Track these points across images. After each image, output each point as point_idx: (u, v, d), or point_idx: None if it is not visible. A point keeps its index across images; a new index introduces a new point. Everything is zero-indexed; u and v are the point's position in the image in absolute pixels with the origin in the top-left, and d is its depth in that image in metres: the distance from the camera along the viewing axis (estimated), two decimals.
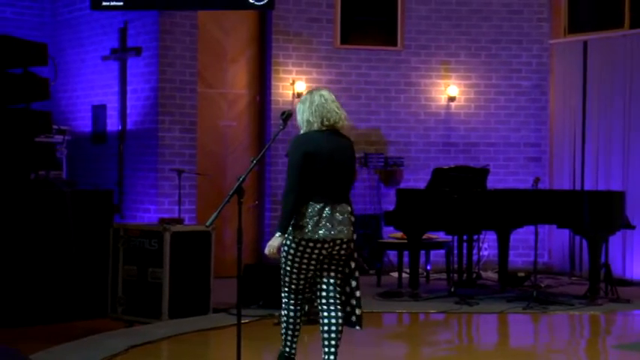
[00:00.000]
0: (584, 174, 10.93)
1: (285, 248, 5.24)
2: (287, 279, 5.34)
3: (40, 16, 11.63)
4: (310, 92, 5.38)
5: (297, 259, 5.21)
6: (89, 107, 11.06)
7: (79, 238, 7.74)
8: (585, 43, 11.02)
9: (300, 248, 5.17)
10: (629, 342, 7.11)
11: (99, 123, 10.89)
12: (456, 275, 9.63)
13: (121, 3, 9.98)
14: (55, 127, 9.73)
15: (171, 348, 6.77)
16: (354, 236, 5.27)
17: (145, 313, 7.58)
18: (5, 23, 11.12)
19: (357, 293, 5.34)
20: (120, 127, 10.51)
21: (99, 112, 10.88)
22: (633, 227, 9.36)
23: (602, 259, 8.94)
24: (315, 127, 5.22)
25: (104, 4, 10.01)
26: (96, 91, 10.97)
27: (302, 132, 5.29)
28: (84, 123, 11.14)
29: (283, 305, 5.41)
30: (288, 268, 5.29)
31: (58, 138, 10.16)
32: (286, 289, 5.39)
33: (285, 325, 5.43)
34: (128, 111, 10.47)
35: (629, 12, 10.75)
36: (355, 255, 5.36)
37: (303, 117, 5.28)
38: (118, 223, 8.24)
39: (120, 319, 7.68)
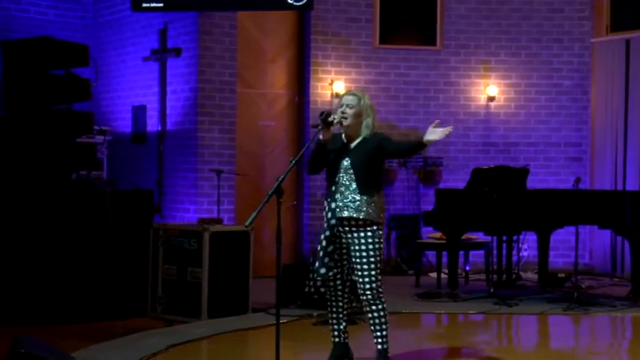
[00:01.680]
0: (626, 174, 10.82)
1: (378, 239, 5.54)
2: (380, 270, 5.56)
3: (82, 17, 11.75)
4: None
5: None
6: (129, 108, 11.15)
7: (120, 237, 7.81)
8: (628, 42, 10.90)
9: None
10: None
11: (139, 123, 10.97)
12: (495, 276, 9.57)
13: (161, 4, 10.05)
14: (96, 127, 9.83)
15: (210, 347, 6.80)
16: None
17: (185, 312, 7.63)
18: (48, 25, 11.26)
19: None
20: (160, 128, 10.58)
21: (139, 112, 10.96)
22: None
23: None
24: None
25: (144, 5, 10.09)
26: (136, 91, 11.06)
27: (371, 133, 5.61)
28: (124, 123, 11.24)
29: (382, 299, 5.59)
30: (380, 258, 5.58)
31: (99, 138, 10.26)
32: (381, 281, 5.57)
33: (386, 319, 5.64)
34: (168, 111, 10.54)
35: None
36: None
37: (375, 123, 5.66)
38: (158, 223, 8.29)
39: (160, 318, 7.73)
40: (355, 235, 5.53)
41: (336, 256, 5.64)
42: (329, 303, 5.80)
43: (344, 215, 5.52)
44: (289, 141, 10.93)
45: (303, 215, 10.99)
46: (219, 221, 8.25)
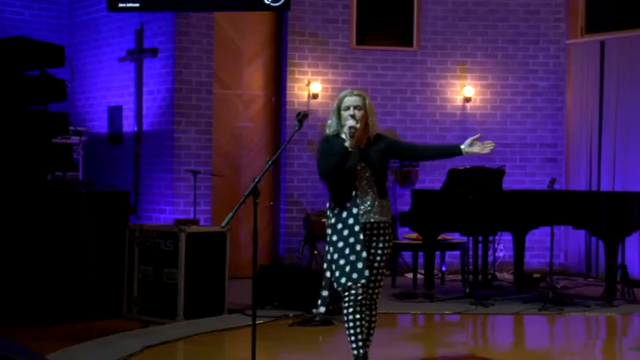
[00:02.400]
0: (601, 175, 10.90)
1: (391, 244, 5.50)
2: None
3: (57, 17, 11.69)
4: None
5: None
6: (105, 108, 11.11)
7: (95, 238, 7.78)
8: (603, 44, 10.97)
9: None
10: None
11: (115, 124, 10.93)
12: (471, 276, 9.61)
13: (138, 4, 10.02)
14: (71, 128, 9.77)
15: (186, 348, 6.79)
16: None
17: (161, 313, 7.60)
18: (23, 25, 11.19)
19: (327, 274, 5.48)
20: (136, 128, 10.55)
21: (115, 113, 10.92)
22: None
23: (619, 261, 8.91)
24: None
25: (120, 5, 10.05)
26: (112, 92, 11.02)
27: (374, 133, 5.47)
28: (100, 124, 11.19)
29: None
30: None
31: (75, 139, 10.21)
32: None
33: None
34: (144, 112, 10.51)
35: None
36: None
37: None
38: (134, 224, 8.26)
39: (135, 319, 7.71)
40: (375, 239, 5.38)
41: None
42: (358, 314, 5.31)
43: (371, 220, 5.35)
44: (266, 142, 10.92)
45: (279, 216, 10.98)
46: (195, 222, 8.23)
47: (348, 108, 5.34)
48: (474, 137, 5.37)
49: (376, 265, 5.40)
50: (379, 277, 5.44)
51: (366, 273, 5.26)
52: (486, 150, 5.35)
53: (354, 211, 5.33)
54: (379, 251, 5.40)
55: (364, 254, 5.27)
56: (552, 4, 11.34)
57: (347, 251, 5.29)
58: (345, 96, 5.40)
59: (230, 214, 4.94)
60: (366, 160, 5.37)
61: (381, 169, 5.41)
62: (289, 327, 7.39)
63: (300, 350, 6.71)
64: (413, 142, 5.74)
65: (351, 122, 5.27)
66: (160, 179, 10.32)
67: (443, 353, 6.93)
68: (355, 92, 5.42)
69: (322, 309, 5.47)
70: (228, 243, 7.82)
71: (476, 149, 5.35)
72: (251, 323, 5.05)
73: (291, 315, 7.72)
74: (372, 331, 5.53)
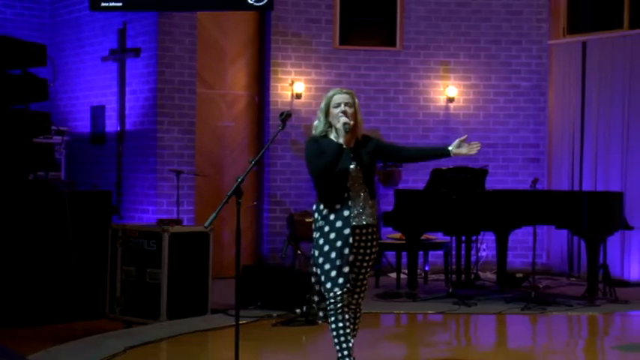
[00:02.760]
0: (583, 175, 10.95)
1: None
2: None
3: (39, 17, 11.63)
4: None
5: None
6: (88, 108, 11.06)
7: (78, 238, 7.74)
8: (584, 44, 11.03)
9: None
10: (627, 343, 7.12)
11: (98, 124, 10.89)
12: (454, 276, 9.63)
13: (120, 4, 9.99)
14: (54, 127, 9.74)
15: (169, 349, 6.77)
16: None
17: (144, 313, 7.58)
18: (5, 24, 11.13)
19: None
20: (119, 128, 10.52)
21: (98, 112, 10.88)
22: (632, 228, 9.36)
23: (601, 260, 8.95)
24: None
25: (103, 4, 10.02)
26: (95, 92, 10.98)
27: (361, 133, 5.36)
28: (83, 124, 11.15)
29: None
30: None
31: (57, 139, 10.18)
32: None
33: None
34: (127, 112, 10.47)
35: (629, 12, 10.76)
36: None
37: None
38: (117, 224, 8.24)
39: (118, 319, 7.68)
40: (363, 244, 5.23)
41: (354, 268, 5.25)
42: (342, 317, 5.17)
43: (362, 223, 5.20)
44: (249, 142, 10.91)
45: (262, 216, 10.97)
46: (178, 222, 8.21)
47: (338, 105, 5.19)
48: (462, 138, 5.36)
49: (363, 270, 5.27)
50: (365, 282, 5.33)
51: (352, 277, 5.17)
52: (473, 151, 5.34)
53: (345, 213, 5.16)
54: (367, 257, 5.26)
55: (351, 258, 5.15)
56: (534, 5, 11.39)
57: (333, 255, 5.12)
58: (334, 94, 5.25)
59: (213, 214, 4.93)
60: (357, 161, 5.22)
61: (369, 171, 5.27)
62: (273, 327, 7.39)
63: (284, 350, 6.71)
64: (399, 144, 5.57)
65: (345, 119, 5.13)
66: (143, 179, 10.29)
67: (426, 353, 6.95)
68: (345, 90, 5.29)
69: (320, 313, 5.33)
70: (211, 243, 7.81)
71: (464, 150, 5.34)
72: (234, 323, 5.04)
73: (274, 315, 7.71)
74: (355, 333, 5.42)
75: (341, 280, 5.09)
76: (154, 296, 7.53)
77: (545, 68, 11.41)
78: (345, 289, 5.11)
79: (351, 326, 5.27)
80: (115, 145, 10.57)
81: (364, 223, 5.21)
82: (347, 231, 5.14)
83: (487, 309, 8.41)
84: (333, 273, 5.10)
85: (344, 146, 5.13)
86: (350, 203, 5.18)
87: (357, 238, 5.20)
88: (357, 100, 5.28)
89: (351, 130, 5.17)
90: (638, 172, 10.39)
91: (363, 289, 5.33)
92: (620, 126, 10.57)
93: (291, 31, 10.99)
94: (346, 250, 5.12)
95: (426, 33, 11.32)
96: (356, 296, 5.30)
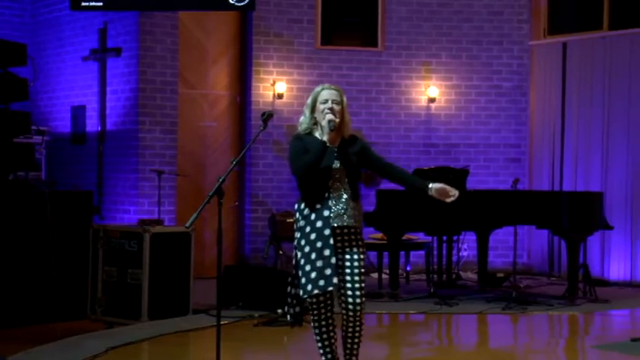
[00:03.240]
0: (563, 175, 11.00)
1: (365, 248, 5.19)
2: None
3: (20, 16, 11.57)
4: None
5: None
6: (69, 108, 11.02)
7: (58, 239, 7.70)
8: (565, 45, 11.08)
9: None
10: (607, 342, 7.15)
11: (78, 124, 10.85)
12: (435, 276, 9.66)
13: (101, 3, 9.95)
14: (34, 127, 9.66)
15: (150, 349, 6.76)
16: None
17: (125, 314, 7.56)
18: None
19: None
20: (99, 128, 10.48)
21: (78, 112, 10.84)
22: (611, 228, 9.43)
23: (581, 260, 8.99)
24: None
25: (84, 4, 9.97)
26: (75, 91, 10.93)
27: (349, 132, 5.21)
28: (63, 124, 11.10)
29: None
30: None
31: (37, 139, 10.12)
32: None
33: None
34: (108, 112, 10.43)
35: (608, 14, 10.82)
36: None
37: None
38: (98, 224, 8.21)
39: (99, 320, 7.66)
40: (347, 245, 5.05)
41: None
42: (323, 321, 5.10)
43: (342, 224, 5.03)
44: (231, 142, 10.89)
45: (244, 216, 10.96)
46: (159, 222, 8.19)
47: (326, 101, 5.05)
48: (448, 189, 5.18)
49: (357, 278, 5.04)
50: (357, 286, 5.03)
51: (334, 280, 4.92)
52: (449, 200, 5.20)
53: (325, 213, 5.00)
54: (355, 263, 5.04)
55: (333, 260, 4.93)
56: (515, 6, 11.43)
57: (313, 256, 4.96)
58: (322, 89, 5.11)
59: (194, 215, 4.91)
60: (342, 160, 5.06)
61: (352, 171, 5.09)
62: (254, 327, 7.38)
63: (265, 350, 6.70)
64: (385, 159, 5.34)
65: (330, 116, 5.00)
66: (124, 179, 10.26)
67: (408, 353, 6.97)
68: (333, 87, 5.15)
69: (288, 317, 5.26)
70: (192, 243, 7.80)
71: (436, 195, 5.18)
72: (216, 323, 5.03)
73: (256, 315, 7.71)
74: (357, 342, 5.14)
75: (322, 283, 4.92)
76: (135, 297, 7.51)
77: (526, 69, 11.46)
78: (326, 291, 4.96)
79: (334, 329, 5.14)
80: (95, 145, 10.53)
81: (344, 224, 5.03)
82: (327, 232, 4.98)
83: (468, 309, 8.44)
84: (313, 274, 4.95)
85: (328, 144, 4.99)
86: (330, 203, 5.02)
87: (339, 238, 5.04)
88: (344, 98, 5.14)
89: (336, 129, 5.04)
90: (618, 171, 10.45)
91: (356, 293, 5.04)
92: (600, 126, 10.62)
93: (273, 31, 10.98)
94: (326, 252, 4.95)
95: (408, 33, 11.34)
96: (350, 299, 5.03)
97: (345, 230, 5.06)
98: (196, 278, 7.95)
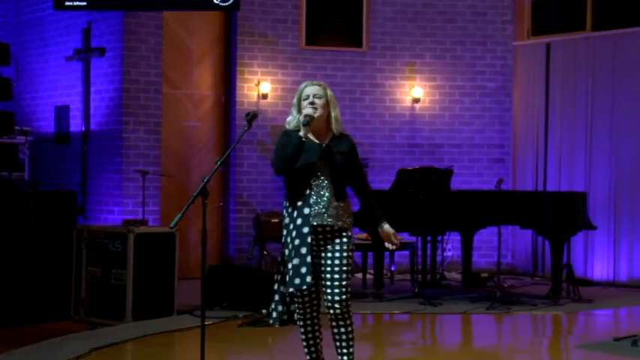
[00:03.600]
0: (547, 175, 11.05)
1: (352, 246, 5.08)
2: (350, 280, 5.06)
3: (3, 15, 11.52)
4: None
5: None
6: (52, 108, 10.97)
7: (42, 239, 7.67)
8: (548, 46, 11.12)
9: None
10: (590, 342, 7.18)
11: (62, 124, 10.81)
12: (420, 276, 9.68)
13: (85, 3, 9.91)
14: (17, 127, 9.61)
15: (134, 350, 6.73)
16: None
17: (109, 314, 7.54)
18: None
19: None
20: (83, 128, 10.44)
21: (62, 112, 10.80)
22: (595, 228, 9.47)
23: (565, 260, 9.03)
24: None
25: (67, 4, 9.93)
26: (59, 91, 10.89)
27: (340, 129, 5.11)
28: (47, 124, 11.05)
29: (351, 313, 5.04)
30: (351, 267, 5.10)
31: (21, 139, 10.07)
32: (350, 293, 5.05)
33: (353, 335, 5.09)
34: (92, 112, 10.40)
35: (591, 15, 10.87)
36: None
37: (339, 112, 5.16)
38: (82, 225, 8.18)
39: (83, 320, 7.63)
40: (330, 242, 4.98)
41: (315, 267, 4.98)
42: (308, 320, 5.07)
43: (322, 223, 4.95)
44: (215, 142, 10.88)
45: (229, 216, 10.95)
46: (144, 223, 8.17)
47: (307, 97, 5.00)
48: (393, 237, 5.23)
49: (336, 276, 4.94)
50: (336, 284, 4.93)
51: (308, 279, 4.83)
52: (391, 247, 5.25)
53: (306, 211, 4.93)
54: (336, 261, 4.96)
55: (309, 259, 4.85)
56: (499, 7, 11.47)
57: (293, 254, 4.91)
58: (305, 87, 5.08)
59: (179, 215, 4.90)
60: (327, 158, 4.99)
61: (341, 170, 5.01)
62: (239, 327, 7.38)
63: (250, 351, 6.70)
64: (362, 174, 5.27)
65: (307, 110, 4.95)
66: (109, 179, 10.23)
67: (392, 353, 6.97)
68: (315, 82, 5.10)
69: (274, 322, 5.16)
70: (177, 243, 7.78)
71: (385, 238, 5.22)
72: (200, 324, 5.02)
73: (240, 315, 7.70)
74: (345, 345, 5.04)
75: (297, 281, 4.87)
76: (119, 297, 7.49)
77: (510, 69, 11.50)
78: (302, 290, 4.91)
79: (319, 328, 5.11)
80: (79, 145, 10.50)
81: (325, 223, 4.96)
82: (306, 230, 4.91)
83: (452, 309, 8.45)
84: (291, 272, 4.91)
85: (304, 138, 4.91)
86: (311, 201, 4.95)
87: (321, 236, 4.99)
88: (329, 92, 5.06)
89: (321, 123, 4.99)
90: (601, 172, 10.51)
91: (335, 290, 4.92)
92: (584, 126, 10.67)
93: (257, 31, 10.98)
94: (303, 250, 4.88)
95: (392, 34, 11.36)
96: (329, 297, 4.93)
97: (328, 229, 4.99)
98: (181, 279, 7.93)
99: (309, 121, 4.93)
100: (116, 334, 6.97)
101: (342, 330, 5.01)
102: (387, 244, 5.27)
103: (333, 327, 5.02)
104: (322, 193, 4.99)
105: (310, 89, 5.05)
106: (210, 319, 7.32)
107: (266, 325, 7.29)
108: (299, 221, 4.96)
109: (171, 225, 4.96)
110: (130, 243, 7.45)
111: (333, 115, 5.05)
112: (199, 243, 5.05)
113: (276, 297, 5.13)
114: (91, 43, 10.39)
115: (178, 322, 7.47)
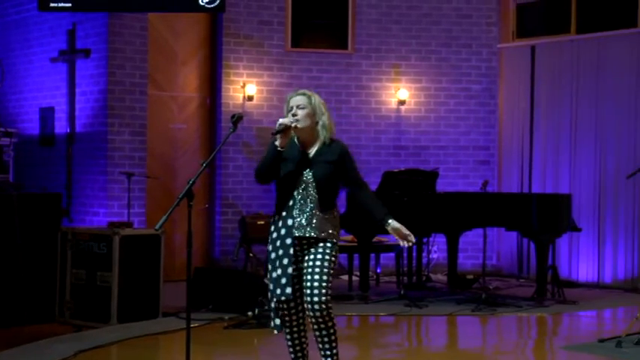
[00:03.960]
0: (532, 177, 11.08)
1: (335, 252, 4.99)
2: (330, 284, 4.95)
3: None
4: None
5: None
6: (37, 109, 10.93)
7: (27, 242, 7.64)
8: (533, 48, 11.16)
9: None
10: (575, 343, 7.20)
11: (47, 125, 10.76)
12: (405, 278, 9.69)
13: (69, 4, 9.87)
14: (1, 129, 9.61)
15: (120, 352, 6.72)
16: None
17: (94, 317, 7.51)
18: None
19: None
20: (68, 130, 10.40)
21: (47, 114, 10.76)
22: (579, 230, 9.50)
23: (550, 262, 9.07)
24: None
25: (52, 5, 9.89)
26: (44, 93, 10.85)
27: (329, 136, 5.03)
28: (32, 125, 11.01)
29: (332, 315, 4.94)
30: (332, 272, 4.99)
31: (5, 140, 10.01)
32: (330, 296, 4.94)
33: (336, 336, 5.01)
34: (77, 113, 10.36)
35: (576, 18, 10.92)
36: None
37: (331, 122, 5.07)
38: (67, 227, 8.15)
39: (68, 323, 7.60)
40: (313, 247, 4.92)
41: (297, 279, 4.95)
42: (294, 327, 5.04)
43: (305, 235, 4.90)
44: (201, 144, 10.86)
45: (214, 218, 10.93)
46: (129, 225, 8.15)
47: (291, 109, 4.94)
48: (405, 232, 5.16)
49: (316, 277, 4.86)
50: (315, 285, 4.84)
51: (288, 290, 4.84)
52: (406, 244, 5.19)
53: (289, 222, 4.89)
54: (317, 262, 4.89)
55: (290, 270, 4.84)
56: (484, 9, 11.50)
57: (276, 264, 4.90)
58: (290, 97, 5.01)
59: (164, 217, 4.89)
60: (312, 167, 4.93)
61: (324, 180, 4.92)
62: (224, 330, 7.36)
63: (235, 353, 6.69)
64: (360, 179, 5.16)
65: (282, 119, 4.87)
66: (94, 181, 10.19)
67: (378, 354, 6.98)
68: (300, 91, 5.02)
69: (275, 327, 5.09)
70: (162, 246, 7.77)
71: (395, 234, 5.16)
72: (186, 326, 5.01)
73: (226, 318, 7.69)
74: (328, 347, 4.96)
75: (278, 292, 4.88)
76: (104, 299, 7.46)
77: (495, 71, 11.53)
78: (282, 300, 4.89)
79: (305, 334, 5.08)
80: (64, 147, 10.46)
81: (308, 235, 4.90)
82: (288, 241, 4.89)
83: (438, 310, 8.47)
84: (273, 282, 4.92)
85: (280, 148, 4.83)
86: (294, 212, 4.90)
87: (306, 247, 4.94)
88: (315, 99, 4.97)
89: (306, 133, 4.92)
90: (586, 173, 10.55)
91: (315, 292, 4.83)
92: (569, 128, 10.71)
93: (243, 33, 10.97)
94: (285, 261, 4.87)
95: (378, 36, 11.38)
96: (308, 298, 4.84)
97: (312, 241, 4.94)
98: (166, 281, 7.91)
99: (282, 129, 4.83)
100: (101, 337, 6.95)
101: (324, 332, 4.94)
102: (401, 243, 5.21)
103: (314, 330, 4.95)
104: (306, 203, 4.92)
105: (294, 100, 4.98)
106: (196, 322, 7.31)
107: (252, 327, 7.31)
108: (283, 231, 4.94)
109: (157, 227, 4.94)
110: (116, 245, 7.43)
111: (320, 123, 4.98)
112: (185, 245, 5.02)
113: (272, 304, 5.06)
114: (75, 45, 10.36)
115: (164, 325, 7.46)
